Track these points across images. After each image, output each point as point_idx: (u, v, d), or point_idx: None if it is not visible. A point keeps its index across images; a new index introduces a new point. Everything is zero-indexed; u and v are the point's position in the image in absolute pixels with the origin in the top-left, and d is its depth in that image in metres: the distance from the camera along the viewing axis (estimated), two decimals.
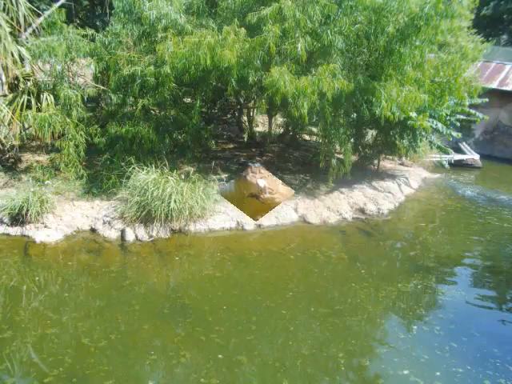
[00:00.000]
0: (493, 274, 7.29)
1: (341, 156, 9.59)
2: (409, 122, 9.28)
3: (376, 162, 11.23)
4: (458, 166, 14.12)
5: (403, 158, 12.84)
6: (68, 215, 7.08)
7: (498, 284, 6.92)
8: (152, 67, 7.77)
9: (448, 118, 10.70)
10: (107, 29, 8.88)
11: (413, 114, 9.13)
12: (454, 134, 10.86)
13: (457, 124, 11.39)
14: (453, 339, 5.09)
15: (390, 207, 9.21)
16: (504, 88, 17.51)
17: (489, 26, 37.35)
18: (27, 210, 6.60)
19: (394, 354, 4.80)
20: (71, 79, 8.42)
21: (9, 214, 6.73)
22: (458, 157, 14.58)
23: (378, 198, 9.29)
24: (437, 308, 5.95)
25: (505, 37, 38.12)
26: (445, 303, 6.04)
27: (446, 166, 11.73)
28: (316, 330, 5.14)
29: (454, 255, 7.73)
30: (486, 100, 12.09)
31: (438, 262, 7.27)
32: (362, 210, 8.79)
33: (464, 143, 16.49)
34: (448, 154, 11.94)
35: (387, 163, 12.51)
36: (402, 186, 10.61)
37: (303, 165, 10.51)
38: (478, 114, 11.75)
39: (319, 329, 5.15)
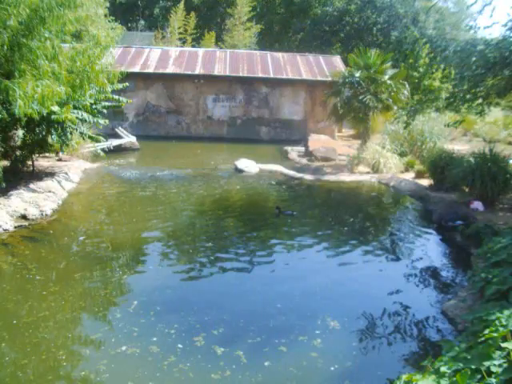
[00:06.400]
0: (177, 242, 7.60)
1: None
2: (53, 117, 9.12)
3: (30, 162, 10.89)
4: (118, 151, 15.10)
5: (60, 154, 12.92)
6: None
7: (184, 252, 7.24)
8: None
9: (94, 106, 10.78)
10: None
11: (55, 108, 8.96)
12: (102, 121, 10.98)
13: (104, 111, 11.48)
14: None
15: (53, 206, 8.75)
16: (146, 71, 18.70)
17: (126, 12, 40.08)
18: None
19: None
20: None
21: None
22: (115, 142, 15.35)
23: (39, 200, 8.70)
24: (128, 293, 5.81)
25: (142, 22, 40.77)
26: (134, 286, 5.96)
27: (102, 154, 11.99)
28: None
29: (133, 236, 7.72)
30: (127, 84, 12.06)
31: (117, 248, 7.11)
32: (24, 217, 8.10)
33: (120, 128, 17.26)
34: (100, 141, 11.91)
35: (44, 162, 12.49)
36: (62, 183, 10.36)
37: None
38: (121, 98, 11.84)
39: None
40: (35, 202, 8.65)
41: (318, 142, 17.35)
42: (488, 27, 9.65)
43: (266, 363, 4.33)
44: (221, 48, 28.95)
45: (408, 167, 13.62)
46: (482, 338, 3.55)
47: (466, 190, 10.04)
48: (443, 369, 3.28)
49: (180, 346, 4.54)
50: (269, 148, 18.15)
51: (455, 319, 5.13)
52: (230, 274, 6.44)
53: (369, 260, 7.15)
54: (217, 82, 20.04)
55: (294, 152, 16.99)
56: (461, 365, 3.27)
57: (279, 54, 22.36)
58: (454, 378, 3.06)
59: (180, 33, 32.35)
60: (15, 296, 5.53)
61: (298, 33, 39.62)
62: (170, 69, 19.89)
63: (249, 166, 13.40)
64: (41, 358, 4.32)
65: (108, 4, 20.00)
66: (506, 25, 9.14)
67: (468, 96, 9.79)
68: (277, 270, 6.74)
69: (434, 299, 5.83)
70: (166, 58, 20.71)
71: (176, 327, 4.87)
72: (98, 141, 11.46)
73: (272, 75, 20.11)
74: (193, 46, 30.78)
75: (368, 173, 13.32)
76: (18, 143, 10.58)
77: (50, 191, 9.44)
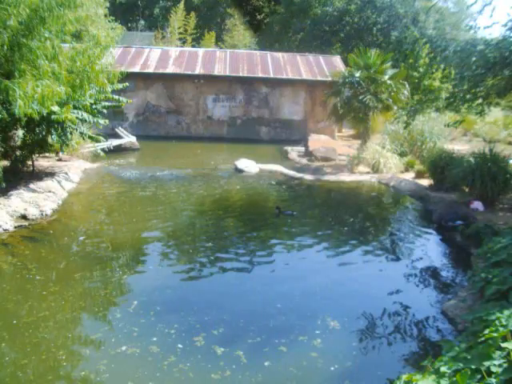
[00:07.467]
0: (177, 242, 7.61)
1: None
2: (53, 117, 9.15)
3: (30, 163, 10.90)
4: (118, 151, 15.13)
5: (60, 154, 13.01)
6: None
7: (184, 252, 7.26)
8: None
9: (94, 106, 10.76)
10: None
11: (55, 108, 8.98)
12: (102, 121, 10.99)
13: (104, 111, 11.48)
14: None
15: (53, 206, 8.78)
16: (146, 71, 18.83)
17: (126, 12, 40.44)
18: None
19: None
20: None
21: None
22: (115, 142, 15.41)
23: (39, 200, 8.72)
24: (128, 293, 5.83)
25: (142, 22, 41.12)
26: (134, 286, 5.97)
27: (102, 154, 12.02)
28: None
29: (133, 236, 7.72)
30: (127, 84, 12.08)
31: (117, 248, 7.10)
32: (24, 217, 8.10)
33: (120, 128, 17.30)
34: (100, 141, 11.89)
35: (44, 162, 12.59)
36: (62, 183, 10.42)
37: None
38: (121, 98, 11.88)
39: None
40: (35, 202, 8.67)
41: (317, 141, 17.36)
42: (488, 27, 9.66)
43: (266, 363, 4.34)
44: (221, 48, 28.97)
45: (408, 167, 13.62)
46: (482, 338, 3.56)
47: (466, 190, 10.05)
48: (443, 369, 3.29)
49: (180, 345, 4.55)
50: (269, 148, 18.15)
51: (455, 319, 5.13)
52: (229, 274, 6.45)
53: (369, 260, 7.15)
54: (217, 82, 20.05)
55: (294, 152, 17.01)
56: (461, 365, 3.27)
57: (279, 54, 22.36)
58: (454, 378, 3.07)
59: (180, 33, 32.37)
60: (15, 296, 5.54)
61: (298, 33, 39.59)
62: (170, 69, 19.89)
63: (249, 166, 13.42)
64: (41, 358, 4.33)
65: (108, 4, 20.05)
66: (506, 25, 9.15)
67: (468, 96, 9.80)
68: (277, 270, 6.75)
69: (434, 299, 5.83)
70: (166, 58, 20.71)
71: (176, 327, 4.87)
72: (98, 141, 11.48)
73: (272, 75, 20.11)
74: (193, 46, 30.80)
75: (368, 173, 13.32)
76: (18, 143, 10.56)
77: (50, 191, 9.47)
